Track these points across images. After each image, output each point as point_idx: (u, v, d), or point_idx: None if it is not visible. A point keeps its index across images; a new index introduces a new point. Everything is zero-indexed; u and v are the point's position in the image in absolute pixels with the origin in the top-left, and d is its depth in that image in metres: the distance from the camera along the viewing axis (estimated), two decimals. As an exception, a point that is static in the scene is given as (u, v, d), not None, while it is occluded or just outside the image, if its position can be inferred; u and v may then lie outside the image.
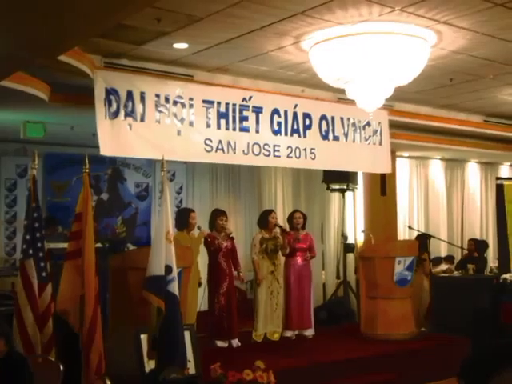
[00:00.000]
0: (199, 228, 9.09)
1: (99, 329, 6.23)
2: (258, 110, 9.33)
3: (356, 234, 12.57)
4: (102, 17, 4.80)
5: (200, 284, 9.11)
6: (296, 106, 9.75)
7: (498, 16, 7.10)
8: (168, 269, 6.44)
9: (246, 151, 9.17)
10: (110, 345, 6.64)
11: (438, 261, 12.91)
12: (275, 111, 9.51)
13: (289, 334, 9.68)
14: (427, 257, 11.40)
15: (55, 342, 6.23)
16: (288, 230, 9.76)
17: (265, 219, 9.68)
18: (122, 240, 11.52)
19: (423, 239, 11.44)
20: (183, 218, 9.06)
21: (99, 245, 8.99)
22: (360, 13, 6.98)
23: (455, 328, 9.47)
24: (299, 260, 9.86)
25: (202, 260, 9.47)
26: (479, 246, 12.51)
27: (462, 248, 13.33)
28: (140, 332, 6.61)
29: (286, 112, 9.63)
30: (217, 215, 9.31)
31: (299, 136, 9.75)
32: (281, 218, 11.40)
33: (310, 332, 9.83)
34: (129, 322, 6.86)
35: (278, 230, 9.62)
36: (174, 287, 6.47)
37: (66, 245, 6.69)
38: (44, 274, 6.25)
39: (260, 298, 9.43)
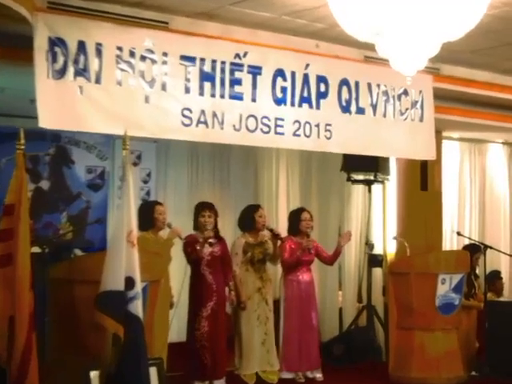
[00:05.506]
0: (169, 226, 9.03)
1: (34, 362, 6.28)
2: (255, 71, 9.36)
3: (386, 241, 12.63)
4: None
5: (171, 305, 9.10)
6: (307, 66, 9.79)
7: None
8: (129, 282, 6.52)
9: (237, 126, 9.20)
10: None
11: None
12: (279, 73, 9.54)
13: (289, 375, 9.71)
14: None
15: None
16: (281, 235, 9.76)
17: (249, 218, 9.71)
18: (67, 243, 11.56)
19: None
20: (146, 214, 9.05)
21: (37, 249, 9.05)
22: None
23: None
24: (305, 276, 9.92)
25: (177, 270, 9.43)
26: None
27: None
28: (90, 368, 6.67)
29: (293, 74, 9.66)
30: (198, 210, 9.35)
31: (310, 107, 9.80)
32: (283, 220, 11.43)
33: (318, 374, 9.88)
34: (75, 353, 6.93)
35: (266, 232, 9.63)
36: (137, 307, 6.55)
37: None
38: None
39: (244, 324, 9.45)
